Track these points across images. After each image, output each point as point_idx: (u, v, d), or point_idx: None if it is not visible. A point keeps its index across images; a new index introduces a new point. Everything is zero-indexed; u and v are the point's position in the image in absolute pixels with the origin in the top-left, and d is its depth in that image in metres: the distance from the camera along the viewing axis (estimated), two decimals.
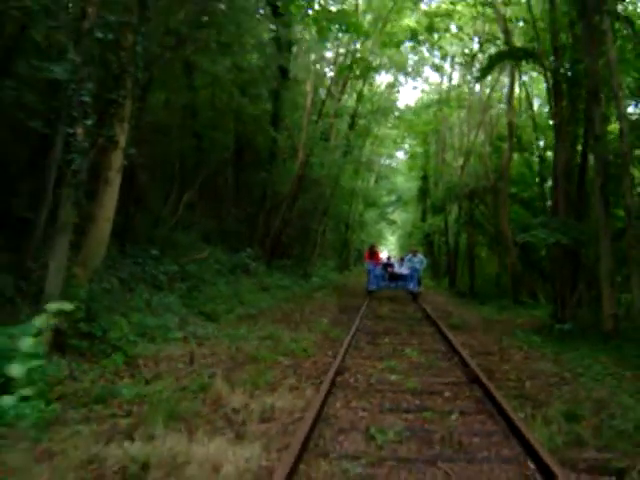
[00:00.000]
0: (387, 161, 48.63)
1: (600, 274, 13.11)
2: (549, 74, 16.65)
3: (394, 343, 11.15)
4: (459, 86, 33.60)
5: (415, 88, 36.33)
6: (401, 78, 37.14)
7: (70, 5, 6.80)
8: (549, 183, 20.63)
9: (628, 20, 15.30)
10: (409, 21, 30.62)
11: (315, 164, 25.32)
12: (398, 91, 41.33)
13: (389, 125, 39.71)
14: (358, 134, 32.64)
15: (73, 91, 6.76)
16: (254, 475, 4.30)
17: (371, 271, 22.99)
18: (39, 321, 5.54)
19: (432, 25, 26.06)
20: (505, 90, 25.83)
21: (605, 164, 13.09)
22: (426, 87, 40.62)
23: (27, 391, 5.24)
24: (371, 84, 32.60)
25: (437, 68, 34.52)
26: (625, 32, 15.60)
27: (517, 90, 24.91)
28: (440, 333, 12.45)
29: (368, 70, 28.60)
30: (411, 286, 22.30)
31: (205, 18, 12.42)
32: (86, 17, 7.15)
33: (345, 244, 44.90)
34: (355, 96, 32.20)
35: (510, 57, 18.38)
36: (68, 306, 5.75)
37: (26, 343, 5.37)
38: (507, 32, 20.76)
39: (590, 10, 13.25)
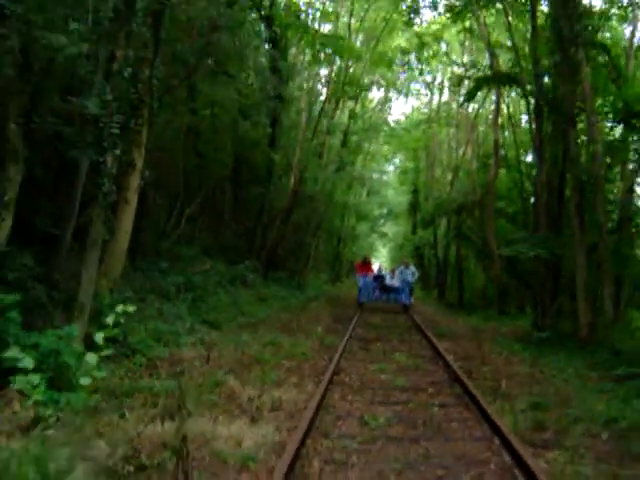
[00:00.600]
0: (378, 175, 49.54)
1: (576, 285, 14.14)
2: (530, 97, 17.77)
3: (384, 349, 12.16)
4: (448, 103, 34.77)
5: (406, 103, 37.29)
6: (392, 94, 38.56)
7: (102, 49, 7.73)
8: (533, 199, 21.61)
9: (604, 48, 16.47)
10: (400, 41, 31.89)
11: (309, 180, 26.33)
12: (390, 107, 42.37)
13: (380, 142, 40.77)
14: (350, 151, 33.69)
15: (104, 124, 7.75)
16: (270, 448, 5.26)
17: (362, 283, 23.10)
18: (110, 319, 6.51)
19: (422, 44, 27.15)
20: (492, 107, 26.90)
21: (580, 184, 14.16)
22: (416, 103, 41.74)
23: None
24: (363, 102, 33.62)
25: (427, 85, 35.72)
26: (601, 59, 16.74)
27: (505, 108, 25.95)
28: (427, 340, 13.45)
29: (360, 90, 29.72)
30: (402, 298, 22.44)
31: (210, 48, 13.41)
32: (115, 58, 8.16)
33: (337, 257, 45.86)
34: (347, 113, 33.21)
35: (494, 82, 19.51)
36: (132, 308, 6.70)
37: (92, 359, 6.39)
38: (493, 55, 21.91)
39: (566, 42, 14.33)
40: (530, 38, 17.07)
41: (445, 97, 36.22)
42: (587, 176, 14.09)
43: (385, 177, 53.45)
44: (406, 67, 31.85)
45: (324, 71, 29.14)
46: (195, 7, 12.47)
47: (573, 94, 14.39)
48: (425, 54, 29.35)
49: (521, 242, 17.38)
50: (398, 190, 52.69)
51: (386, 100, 39.38)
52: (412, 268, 24.02)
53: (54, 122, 7.72)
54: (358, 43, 29.87)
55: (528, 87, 17.65)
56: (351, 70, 28.21)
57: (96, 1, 7.58)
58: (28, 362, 5.90)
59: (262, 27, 19.88)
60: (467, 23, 21.66)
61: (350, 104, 32.39)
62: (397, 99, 47.86)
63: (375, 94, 40.00)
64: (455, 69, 28.31)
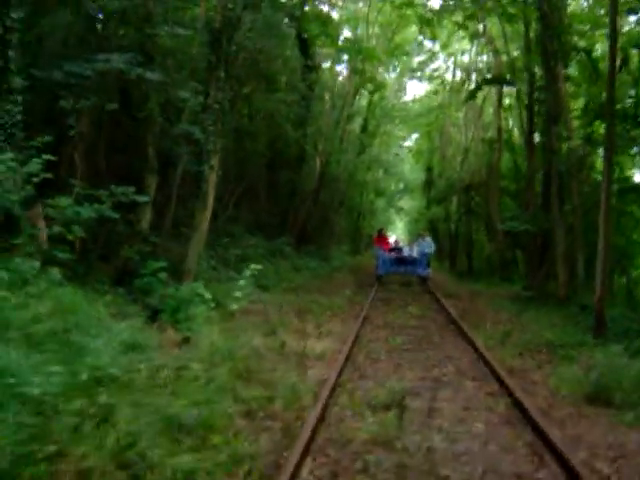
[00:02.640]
0: (394, 155, 52.43)
1: (556, 254, 17.57)
2: (523, 96, 21.10)
3: (401, 304, 15.67)
4: (462, 84, 37.50)
5: (421, 82, 39.97)
6: (407, 78, 41.76)
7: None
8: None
9: (586, 51, 19.70)
10: (414, 31, 34.84)
11: (333, 163, 29.72)
12: (405, 88, 45.27)
13: (396, 123, 43.77)
14: (369, 135, 37.02)
15: (204, 144, 11.27)
16: (332, 351, 8.75)
17: (380, 256, 23.11)
18: (247, 273, 9.97)
19: (434, 35, 30.02)
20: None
21: (560, 173, 17.53)
22: (429, 87, 44.32)
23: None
24: (380, 89, 36.52)
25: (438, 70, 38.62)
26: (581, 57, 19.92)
27: (507, 100, 29.12)
28: (435, 299, 16.94)
29: (378, 88, 33.11)
30: (420, 270, 22.50)
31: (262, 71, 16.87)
32: (208, 96, 11.66)
33: (357, 230, 49.32)
34: (367, 101, 36.47)
35: (493, 83, 22.83)
36: (258, 267, 10.14)
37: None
38: (496, 57, 25.18)
39: (549, 56, 17.62)
40: (524, 49, 20.33)
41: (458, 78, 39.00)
42: (564, 166, 17.38)
43: (401, 154, 56.12)
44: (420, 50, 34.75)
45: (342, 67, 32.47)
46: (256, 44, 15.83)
47: (554, 97, 17.67)
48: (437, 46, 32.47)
49: (515, 219, 20.97)
50: (414, 167, 55.58)
51: (400, 86, 42.53)
52: (429, 240, 24.23)
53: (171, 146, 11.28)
54: (374, 38, 33.04)
55: (522, 88, 20.96)
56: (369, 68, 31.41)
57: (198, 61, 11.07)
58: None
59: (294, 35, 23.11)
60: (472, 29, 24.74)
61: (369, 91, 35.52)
62: (412, 80, 50.17)
63: (391, 76, 42.50)
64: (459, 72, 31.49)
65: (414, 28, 33.24)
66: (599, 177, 20.35)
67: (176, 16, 11.94)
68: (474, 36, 25.84)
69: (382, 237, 25.93)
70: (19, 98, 8.62)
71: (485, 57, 31.00)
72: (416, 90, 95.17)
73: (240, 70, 16.27)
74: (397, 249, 24.81)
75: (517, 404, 6.14)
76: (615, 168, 19.86)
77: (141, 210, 11.00)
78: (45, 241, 8.51)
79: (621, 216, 19.84)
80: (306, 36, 23.34)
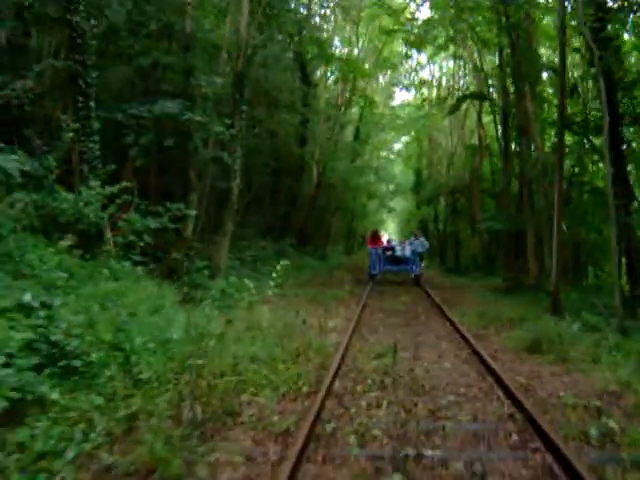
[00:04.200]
0: (385, 159, 55.18)
1: (527, 250, 20.32)
2: (498, 110, 23.87)
3: (394, 295, 18.38)
4: (447, 97, 40.28)
5: (409, 92, 42.44)
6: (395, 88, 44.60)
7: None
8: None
9: (554, 71, 22.43)
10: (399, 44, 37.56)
11: (329, 170, 32.44)
12: (394, 95, 47.89)
13: (386, 130, 46.50)
14: (361, 143, 39.77)
15: (230, 166, 13.95)
16: (342, 326, 11.40)
17: (373, 255, 23.78)
18: (281, 267, 12.54)
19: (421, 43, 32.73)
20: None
21: (529, 179, 20.29)
22: (417, 95, 47.09)
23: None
24: (371, 103, 39.27)
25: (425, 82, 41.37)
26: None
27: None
28: (424, 290, 19.62)
29: (368, 102, 35.96)
30: (413, 269, 23.24)
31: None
32: (233, 126, 14.34)
33: (351, 231, 52.21)
34: (359, 111, 39.23)
35: (472, 98, 25.60)
36: (287, 263, 12.70)
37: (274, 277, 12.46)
38: (480, 70, 27.92)
39: (518, 77, 20.39)
40: (498, 70, 23.13)
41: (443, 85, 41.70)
42: (531, 173, 20.14)
43: (391, 156, 58.72)
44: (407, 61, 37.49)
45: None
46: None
47: (523, 113, 20.43)
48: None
49: (493, 219, 23.78)
50: (404, 169, 58.25)
51: (389, 95, 45.34)
52: (422, 239, 24.86)
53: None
54: (363, 52, 35.84)
55: (497, 103, 23.74)
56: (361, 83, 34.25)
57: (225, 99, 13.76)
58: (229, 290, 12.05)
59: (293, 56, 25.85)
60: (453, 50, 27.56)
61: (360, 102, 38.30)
62: (400, 90, 52.93)
63: (380, 81, 45.09)
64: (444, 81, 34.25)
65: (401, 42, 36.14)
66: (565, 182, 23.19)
67: (209, 65, 14.72)
68: (455, 56, 28.63)
69: (376, 237, 26.41)
70: (97, 138, 11.28)
71: (466, 73, 33.76)
72: (405, 95, 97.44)
73: (253, 99, 18.90)
74: (390, 248, 24.93)
75: (475, 352, 8.83)
76: (586, 173, 22.85)
77: (186, 221, 13.67)
78: (115, 247, 11.16)
79: (589, 215, 22.53)
80: (304, 58, 26.06)
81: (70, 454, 4.30)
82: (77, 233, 9.93)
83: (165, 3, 13.90)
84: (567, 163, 23.39)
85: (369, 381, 7.12)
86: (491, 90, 26.04)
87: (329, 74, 32.38)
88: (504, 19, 20.51)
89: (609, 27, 13.45)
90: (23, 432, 4.40)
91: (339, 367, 7.64)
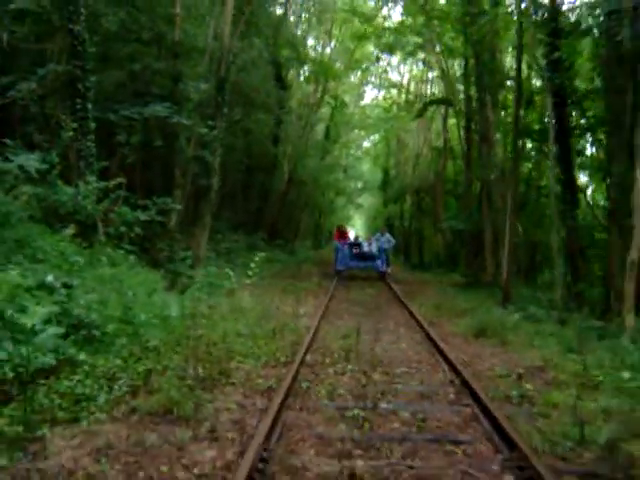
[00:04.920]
0: (354, 156, 56.53)
1: (485, 248, 21.77)
2: (462, 116, 25.29)
3: (359, 287, 19.71)
4: (415, 100, 41.73)
5: (379, 92, 43.64)
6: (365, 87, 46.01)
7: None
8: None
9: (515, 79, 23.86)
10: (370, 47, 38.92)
11: (299, 167, 33.67)
12: (364, 94, 49.21)
13: (356, 131, 47.96)
14: (331, 142, 41.07)
15: (211, 164, 15.12)
16: (311, 312, 12.65)
17: (339, 250, 23.85)
18: (258, 258, 13.73)
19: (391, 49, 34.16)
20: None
21: (488, 182, 21.71)
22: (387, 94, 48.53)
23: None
24: (341, 104, 40.61)
25: (394, 85, 42.80)
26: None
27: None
28: (388, 284, 20.95)
29: (339, 104, 37.28)
30: (379, 265, 23.55)
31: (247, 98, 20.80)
32: (215, 128, 15.49)
33: (318, 227, 53.55)
34: (330, 110, 40.53)
35: (437, 103, 27.03)
36: (263, 255, 13.89)
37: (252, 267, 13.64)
38: (446, 76, 29.35)
39: (479, 87, 21.80)
40: (463, 78, 24.55)
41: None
42: (490, 177, 21.57)
43: (360, 154, 60.07)
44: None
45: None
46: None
47: (484, 121, 21.85)
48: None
49: (455, 218, 25.23)
50: (372, 167, 59.65)
51: (359, 94, 46.72)
52: (388, 236, 25.12)
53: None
54: (335, 53, 37.17)
55: (460, 108, 25.15)
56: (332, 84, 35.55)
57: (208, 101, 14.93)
58: (209, 279, 13.21)
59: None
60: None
61: (331, 102, 39.60)
62: (371, 89, 54.38)
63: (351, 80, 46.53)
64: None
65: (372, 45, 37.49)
66: (523, 186, 24.73)
67: (194, 70, 15.89)
68: (424, 61, 30.06)
69: (342, 233, 26.70)
70: (93, 137, 12.38)
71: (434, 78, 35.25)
72: (375, 92, 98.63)
73: (231, 100, 20.02)
74: (356, 244, 25.08)
75: (428, 336, 10.15)
76: (543, 177, 24.36)
77: (170, 214, 14.79)
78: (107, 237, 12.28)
79: (546, 217, 24.04)
80: (279, 61, 27.24)
81: (102, 399, 5.49)
82: (75, 223, 11.02)
83: (156, 13, 15.06)
84: (527, 167, 25.11)
85: (336, 355, 8.40)
86: (456, 96, 27.43)
87: (302, 74, 33.54)
88: (469, 32, 21.87)
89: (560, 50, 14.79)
90: (64, 383, 5.57)
91: (310, 344, 8.91)
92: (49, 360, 5.52)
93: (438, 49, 26.51)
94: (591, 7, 14.66)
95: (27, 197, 10.50)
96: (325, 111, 40.93)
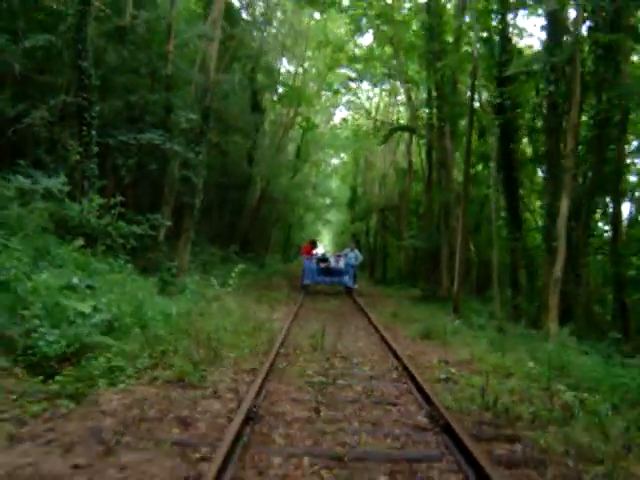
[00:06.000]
0: (323, 170, 58.69)
1: (441, 265, 23.84)
2: (424, 142, 27.47)
3: (325, 299, 21.61)
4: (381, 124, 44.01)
5: (349, 110, 45.64)
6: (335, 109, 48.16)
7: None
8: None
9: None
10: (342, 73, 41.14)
11: (271, 184, 35.58)
12: (333, 115, 51.33)
13: (325, 150, 50.12)
14: (302, 160, 43.11)
15: (196, 185, 16.95)
16: (282, 318, 14.49)
17: (306, 266, 24.27)
18: (237, 269, 15.50)
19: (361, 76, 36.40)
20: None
21: (447, 203, 23.81)
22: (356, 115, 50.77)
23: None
24: (312, 126, 42.73)
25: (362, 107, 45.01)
26: None
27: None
28: (351, 297, 22.86)
29: (310, 126, 39.42)
30: (346, 281, 23.97)
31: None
32: (200, 154, 17.32)
33: (288, 241, 55.40)
34: (301, 131, 42.57)
35: (401, 130, 29.19)
36: (242, 267, 15.68)
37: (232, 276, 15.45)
38: (411, 105, 31.54)
39: (440, 117, 23.94)
40: (426, 108, 26.76)
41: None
42: (447, 199, 23.70)
43: (329, 171, 62.19)
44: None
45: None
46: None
47: (442, 149, 23.99)
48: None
49: (415, 237, 27.33)
50: (340, 185, 61.79)
51: (329, 116, 48.85)
52: (356, 252, 25.57)
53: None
54: (307, 77, 39.29)
55: (423, 135, 27.33)
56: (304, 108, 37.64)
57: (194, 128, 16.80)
58: (192, 287, 15.00)
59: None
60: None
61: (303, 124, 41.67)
62: (341, 110, 56.56)
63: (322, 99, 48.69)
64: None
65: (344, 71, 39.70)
66: (476, 207, 26.94)
67: (184, 101, 17.80)
68: (390, 91, 32.30)
69: (310, 247, 27.21)
70: (96, 160, 14.15)
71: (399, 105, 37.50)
72: (344, 113, 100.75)
73: (212, 126, 21.86)
74: (324, 260, 25.21)
75: (382, 338, 12.08)
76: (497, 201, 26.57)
77: (159, 228, 16.56)
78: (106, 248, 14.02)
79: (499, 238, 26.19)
80: (255, 87, 29.22)
81: (130, 371, 7.29)
82: (82, 235, 12.76)
83: (152, 50, 16.95)
84: (481, 191, 27.31)
85: (305, 349, 10.32)
86: (420, 124, 29.60)
87: (275, 96, 35.63)
88: (431, 67, 24.07)
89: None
90: (99, 358, 7.35)
91: (283, 341, 10.83)
92: (98, 339, 7.33)
93: (404, 78, 28.76)
94: (534, 59, 16.86)
95: (40, 212, 12.23)
96: (297, 131, 42.96)
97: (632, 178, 25.33)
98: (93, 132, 14.04)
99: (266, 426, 5.91)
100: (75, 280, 9.07)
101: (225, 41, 19.75)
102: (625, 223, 20.27)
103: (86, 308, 7.50)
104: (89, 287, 9.14)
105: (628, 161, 24.36)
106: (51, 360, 6.93)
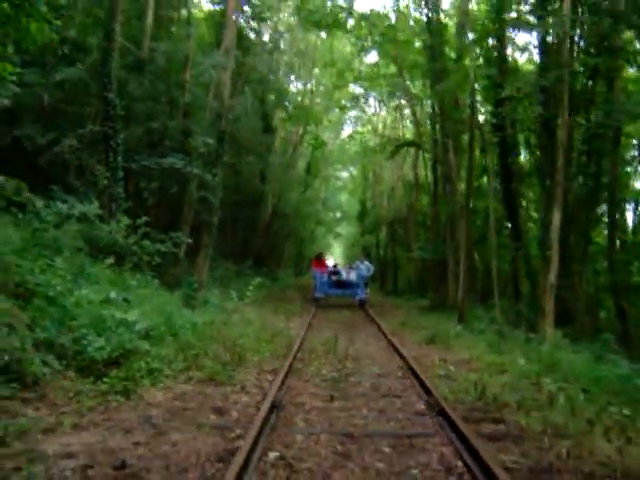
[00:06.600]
0: (333, 185, 59.85)
1: (448, 275, 24.80)
2: (430, 157, 28.54)
3: (337, 310, 22.65)
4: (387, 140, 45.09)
5: (356, 127, 46.97)
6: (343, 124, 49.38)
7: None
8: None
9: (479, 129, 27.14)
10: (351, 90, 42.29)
11: (283, 201, 36.73)
12: (342, 129, 52.52)
13: (335, 167, 51.35)
14: (312, 176, 44.29)
15: (213, 204, 18.06)
16: (298, 327, 15.52)
17: (318, 278, 24.74)
18: (255, 283, 16.54)
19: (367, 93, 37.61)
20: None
21: (452, 215, 24.81)
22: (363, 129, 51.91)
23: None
24: (321, 144, 43.90)
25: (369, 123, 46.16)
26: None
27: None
28: (363, 307, 23.86)
29: (319, 144, 40.63)
30: (359, 292, 24.45)
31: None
32: (217, 175, 18.44)
33: (300, 255, 56.52)
34: (311, 148, 43.76)
35: (407, 146, 30.30)
36: (259, 280, 16.72)
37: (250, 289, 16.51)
38: (417, 121, 32.65)
39: (443, 133, 24.99)
40: (430, 124, 27.84)
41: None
42: (452, 212, 24.69)
43: (339, 182, 63.30)
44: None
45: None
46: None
47: (446, 163, 25.02)
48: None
49: (423, 248, 28.35)
50: (350, 198, 62.89)
51: (337, 132, 50.03)
52: (367, 264, 26.05)
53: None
54: (317, 95, 40.49)
55: (428, 150, 28.40)
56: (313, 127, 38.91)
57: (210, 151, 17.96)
58: (213, 300, 16.06)
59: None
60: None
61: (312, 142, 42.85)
62: (349, 125, 57.76)
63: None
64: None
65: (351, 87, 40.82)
66: (481, 219, 27.91)
67: (201, 126, 19.02)
68: (396, 108, 33.47)
69: (321, 260, 27.67)
70: (122, 183, 15.29)
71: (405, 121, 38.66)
72: (352, 127, 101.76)
73: (227, 148, 23.00)
74: (335, 272, 25.84)
75: (390, 343, 13.10)
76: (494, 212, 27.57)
77: (180, 246, 17.67)
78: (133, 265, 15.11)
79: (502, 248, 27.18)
80: (266, 108, 30.43)
81: (167, 372, 8.35)
82: (112, 254, 13.87)
83: (170, 80, 18.20)
84: (486, 203, 28.28)
85: (319, 353, 11.38)
86: (425, 139, 30.67)
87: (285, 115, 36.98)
88: (434, 86, 25.16)
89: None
90: (140, 362, 8.40)
91: (300, 346, 11.90)
92: (138, 344, 8.38)
93: (409, 95, 29.87)
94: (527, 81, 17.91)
95: (73, 233, 13.34)
96: (306, 147, 44.12)
97: (638, 185, 26.48)
98: (119, 158, 15.19)
99: (289, 413, 6.95)
100: (113, 294, 10.15)
101: (237, 67, 20.98)
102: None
103: (131, 316, 8.57)
104: (125, 300, 10.22)
105: (628, 169, 25.50)
106: (98, 364, 7.97)
